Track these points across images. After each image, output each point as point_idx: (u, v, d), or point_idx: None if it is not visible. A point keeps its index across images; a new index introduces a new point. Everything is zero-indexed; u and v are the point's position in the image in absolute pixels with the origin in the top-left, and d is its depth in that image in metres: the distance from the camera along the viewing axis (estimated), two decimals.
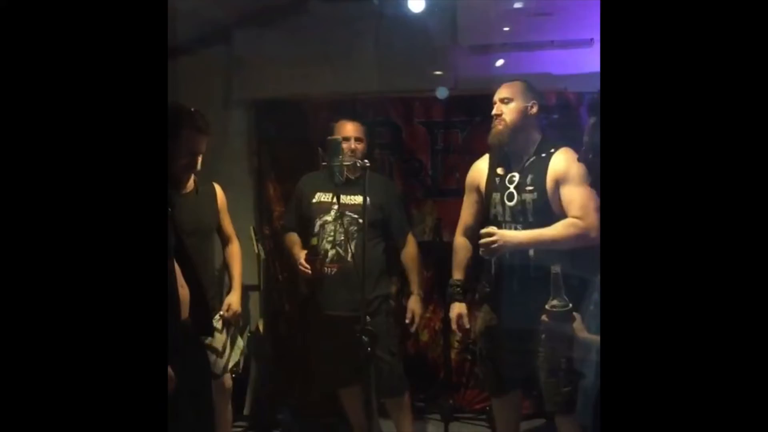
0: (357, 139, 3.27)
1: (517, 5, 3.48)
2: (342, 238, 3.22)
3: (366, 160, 2.68)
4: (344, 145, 3.15)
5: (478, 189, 3.03)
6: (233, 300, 3.24)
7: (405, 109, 3.96)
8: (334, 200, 3.25)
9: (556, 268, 1.94)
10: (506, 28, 3.60)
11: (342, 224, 3.22)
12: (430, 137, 3.92)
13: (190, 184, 3.06)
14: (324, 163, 2.66)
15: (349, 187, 3.22)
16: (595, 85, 3.19)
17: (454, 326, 3.04)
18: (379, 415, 2.77)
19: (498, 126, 2.86)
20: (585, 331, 1.83)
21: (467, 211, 3.11)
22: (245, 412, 3.94)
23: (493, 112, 2.89)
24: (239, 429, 3.81)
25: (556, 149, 2.81)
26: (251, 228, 3.86)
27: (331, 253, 3.24)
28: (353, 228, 3.22)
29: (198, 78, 3.81)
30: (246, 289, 4.01)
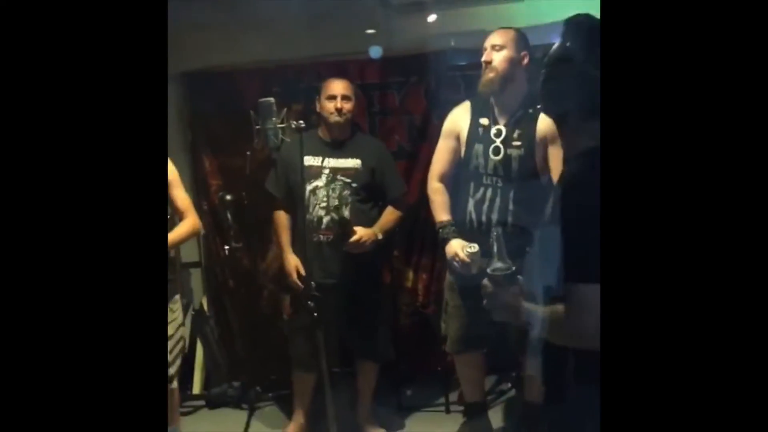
0: (344, 97, 3.16)
1: None
2: (335, 203, 3.13)
3: (301, 121, 2.61)
4: (330, 104, 3.11)
5: (457, 137, 2.95)
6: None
7: (339, 73, 3.87)
8: (324, 164, 3.16)
9: (497, 230, 1.89)
10: None
11: (334, 189, 3.14)
12: (366, 100, 3.84)
13: None
14: (257, 127, 2.59)
15: (339, 150, 3.17)
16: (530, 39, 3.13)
17: (463, 258, 2.79)
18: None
19: (489, 74, 2.75)
20: (522, 298, 1.75)
21: (443, 158, 3.02)
22: (195, 391, 3.88)
23: (483, 58, 2.78)
24: (189, 408, 3.75)
25: None
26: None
27: (325, 219, 3.14)
28: (346, 192, 3.14)
29: None
30: (186, 267, 3.94)
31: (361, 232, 3.08)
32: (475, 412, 3.22)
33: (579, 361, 1.58)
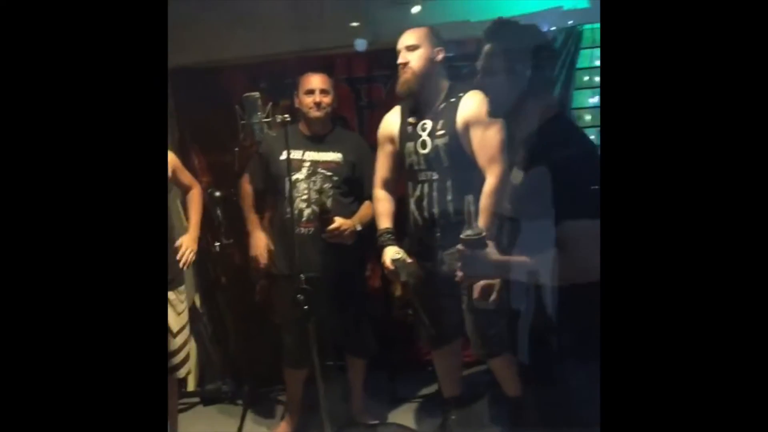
0: (322, 91, 3.16)
1: None
2: (316, 196, 3.12)
3: (287, 115, 2.61)
4: (309, 99, 3.11)
5: (391, 140, 2.98)
6: (187, 240, 3.05)
7: (325, 67, 3.87)
8: (304, 157, 3.15)
9: (468, 198, 1.97)
10: None
11: (315, 182, 3.13)
12: (353, 94, 3.86)
13: None
14: (243, 122, 2.59)
15: (320, 144, 3.16)
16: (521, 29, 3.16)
17: (388, 265, 2.84)
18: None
19: (405, 74, 2.78)
20: (497, 254, 1.83)
21: (383, 165, 3.05)
22: (189, 388, 3.89)
23: (399, 60, 2.81)
24: (183, 405, 3.75)
25: (464, 93, 2.76)
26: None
27: (306, 212, 3.13)
28: (327, 185, 3.13)
29: None
30: None
31: (339, 221, 3.07)
32: (451, 406, 3.23)
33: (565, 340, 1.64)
